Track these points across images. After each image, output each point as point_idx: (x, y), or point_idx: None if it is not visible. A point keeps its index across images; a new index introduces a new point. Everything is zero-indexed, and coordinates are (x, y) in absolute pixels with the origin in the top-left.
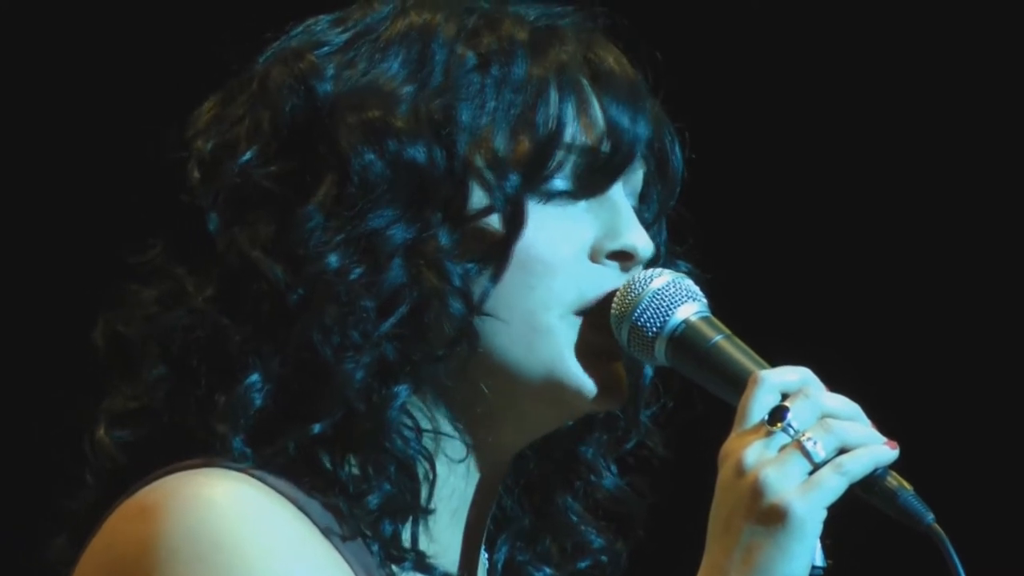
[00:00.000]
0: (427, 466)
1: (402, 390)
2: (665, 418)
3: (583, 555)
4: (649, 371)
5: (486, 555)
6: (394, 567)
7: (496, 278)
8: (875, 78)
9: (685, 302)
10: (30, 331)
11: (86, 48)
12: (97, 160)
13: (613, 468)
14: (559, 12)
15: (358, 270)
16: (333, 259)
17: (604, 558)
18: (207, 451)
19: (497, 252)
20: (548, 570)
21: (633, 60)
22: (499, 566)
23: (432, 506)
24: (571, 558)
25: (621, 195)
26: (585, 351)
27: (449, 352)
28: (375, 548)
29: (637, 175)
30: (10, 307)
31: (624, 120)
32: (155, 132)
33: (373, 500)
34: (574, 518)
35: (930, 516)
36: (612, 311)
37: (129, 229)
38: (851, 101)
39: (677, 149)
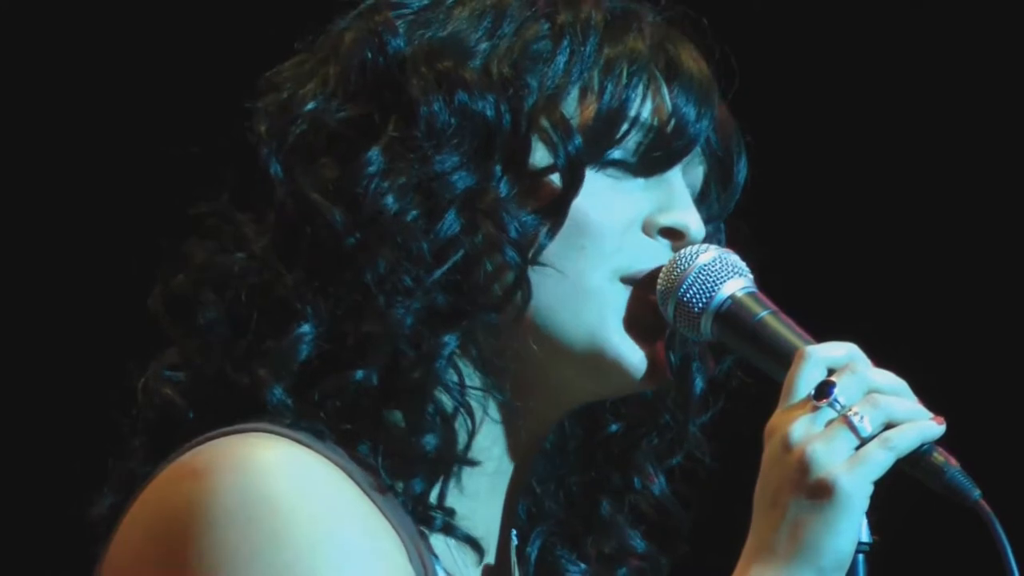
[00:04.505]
0: (469, 423)
1: (451, 339)
2: (710, 398)
3: (623, 561)
4: (700, 384)
5: (515, 534)
6: (428, 533)
7: (552, 234)
8: (924, 63)
9: (732, 277)
10: (91, 295)
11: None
12: (166, 114)
13: (662, 477)
14: (639, 5)
15: (414, 213)
16: (391, 200)
17: (646, 566)
18: (251, 406)
19: (554, 209)
20: (584, 566)
21: (709, 62)
22: (532, 556)
23: (469, 465)
24: (610, 563)
25: (679, 179)
26: (630, 324)
27: (503, 303)
28: (411, 512)
29: (697, 172)
30: (71, 270)
31: (691, 111)
32: (226, 89)
33: (413, 452)
34: (620, 521)
35: (977, 492)
36: (658, 286)
37: (194, 183)
38: (890, 88)
39: (743, 158)
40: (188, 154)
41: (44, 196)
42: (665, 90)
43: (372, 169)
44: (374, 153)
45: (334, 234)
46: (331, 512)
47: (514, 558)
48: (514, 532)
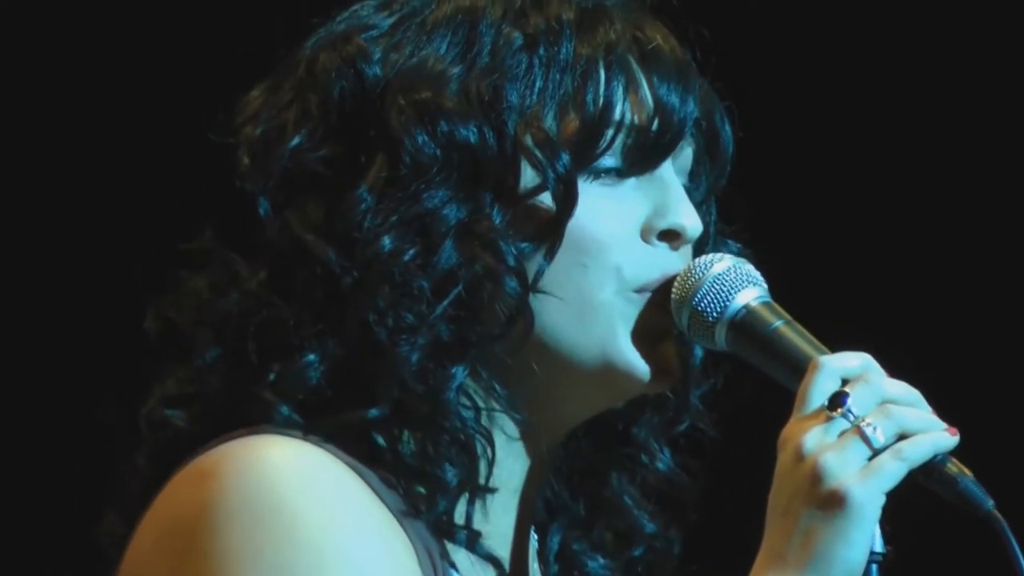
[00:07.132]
0: (486, 445)
1: (459, 371)
2: (722, 402)
3: (636, 542)
4: (699, 351)
5: (535, 537)
6: (448, 544)
7: (550, 256)
8: (940, 62)
9: (746, 287)
10: (77, 321)
11: (134, 31)
12: (144, 148)
13: (666, 451)
14: None
15: (412, 251)
16: (387, 241)
17: (657, 544)
18: (259, 422)
19: (550, 230)
20: (602, 559)
21: (681, 39)
22: (552, 553)
23: (491, 485)
24: (625, 545)
25: (671, 173)
26: (637, 331)
27: (506, 332)
28: (431, 525)
29: (686, 153)
30: (59, 296)
31: (673, 99)
32: (203, 119)
33: (433, 484)
34: (628, 501)
35: (990, 502)
36: (672, 295)
37: (178, 217)
38: (912, 86)
39: (727, 128)
40: (172, 170)
41: (36, 204)
42: (645, 82)
43: (363, 208)
44: (363, 192)
45: (331, 276)
46: (337, 512)
47: (535, 565)
48: (534, 535)
